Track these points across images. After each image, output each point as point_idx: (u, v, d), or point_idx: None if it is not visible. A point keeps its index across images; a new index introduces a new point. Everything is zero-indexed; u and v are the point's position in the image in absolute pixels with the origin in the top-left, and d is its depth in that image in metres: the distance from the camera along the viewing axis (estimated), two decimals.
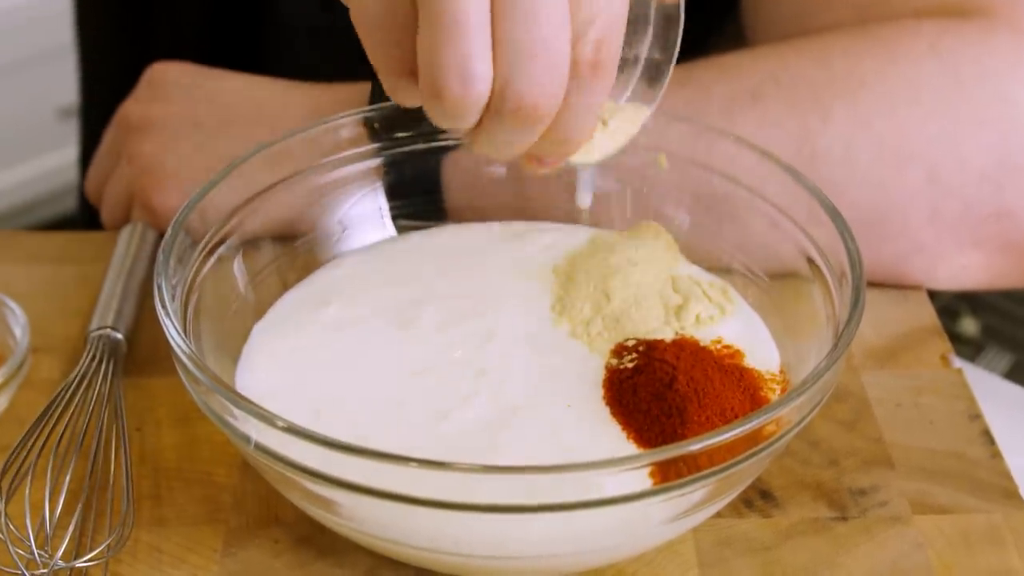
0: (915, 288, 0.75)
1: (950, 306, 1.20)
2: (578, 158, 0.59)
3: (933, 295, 0.76)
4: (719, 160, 0.67)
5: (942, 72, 0.71)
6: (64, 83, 1.47)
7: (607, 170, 0.71)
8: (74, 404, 0.64)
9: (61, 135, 1.88)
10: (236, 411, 0.53)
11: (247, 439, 0.54)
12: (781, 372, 0.62)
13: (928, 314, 0.74)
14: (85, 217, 1.08)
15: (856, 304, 0.57)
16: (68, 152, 1.72)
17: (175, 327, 0.56)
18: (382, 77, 0.53)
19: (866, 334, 0.72)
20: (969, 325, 1.22)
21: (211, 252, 0.64)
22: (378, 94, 0.73)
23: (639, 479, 0.51)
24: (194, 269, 0.62)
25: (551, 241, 0.70)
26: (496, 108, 0.51)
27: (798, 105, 0.71)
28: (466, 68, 0.50)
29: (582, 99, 0.53)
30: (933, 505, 0.62)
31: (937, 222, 0.72)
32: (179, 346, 0.56)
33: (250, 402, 0.53)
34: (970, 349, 1.18)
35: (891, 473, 0.64)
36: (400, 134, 0.70)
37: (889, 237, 0.72)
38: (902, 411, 0.68)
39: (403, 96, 0.53)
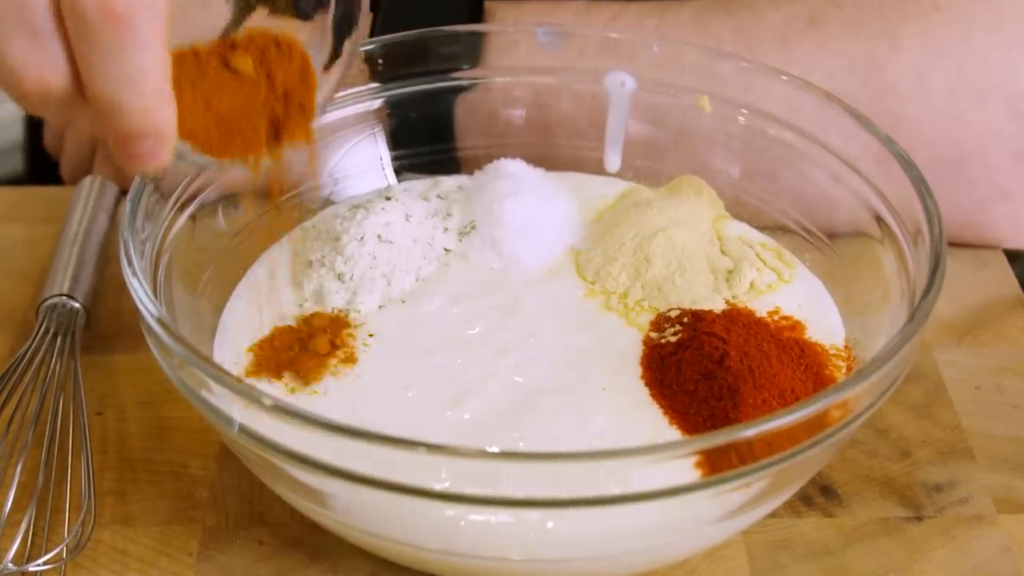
0: (994, 249, 0.75)
1: None
2: None
3: (1012, 261, 0.75)
4: (771, 101, 0.67)
5: None
6: None
7: (640, 118, 0.70)
8: (24, 384, 0.63)
9: None
10: (216, 387, 0.52)
11: (229, 421, 0.52)
12: (846, 347, 0.61)
13: (1009, 282, 0.73)
14: (32, 179, 1.07)
15: (936, 268, 0.56)
16: (8, 105, 1.71)
17: (144, 289, 0.55)
18: None
19: (938, 305, 0.70)
20: None
21: (184, 206, 0.62)
22: (383, 26, 0.73)
23: (684, 470, 0.50)
24: (165, 225, 0.61)
25: (580, 196, 0.69)
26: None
27: (864, 30, 0.70)
28: None
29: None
30: (1020, 503, 0.62)
31: (1023, 164, 0.71)
32: (148, 311, 0.54)
33: (232, 376, 0.52)
34: None
35: (971, 466, 0.63)
36: (406, 71, 0.69)
37: (968, 183, 0.72)
38: (982, 394, 0.67)
39: None
